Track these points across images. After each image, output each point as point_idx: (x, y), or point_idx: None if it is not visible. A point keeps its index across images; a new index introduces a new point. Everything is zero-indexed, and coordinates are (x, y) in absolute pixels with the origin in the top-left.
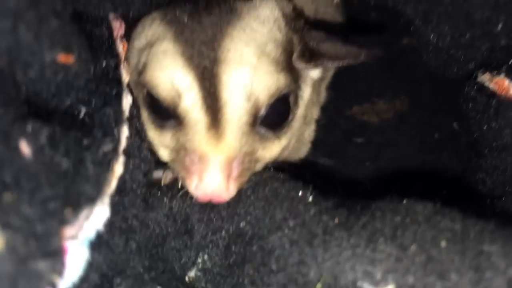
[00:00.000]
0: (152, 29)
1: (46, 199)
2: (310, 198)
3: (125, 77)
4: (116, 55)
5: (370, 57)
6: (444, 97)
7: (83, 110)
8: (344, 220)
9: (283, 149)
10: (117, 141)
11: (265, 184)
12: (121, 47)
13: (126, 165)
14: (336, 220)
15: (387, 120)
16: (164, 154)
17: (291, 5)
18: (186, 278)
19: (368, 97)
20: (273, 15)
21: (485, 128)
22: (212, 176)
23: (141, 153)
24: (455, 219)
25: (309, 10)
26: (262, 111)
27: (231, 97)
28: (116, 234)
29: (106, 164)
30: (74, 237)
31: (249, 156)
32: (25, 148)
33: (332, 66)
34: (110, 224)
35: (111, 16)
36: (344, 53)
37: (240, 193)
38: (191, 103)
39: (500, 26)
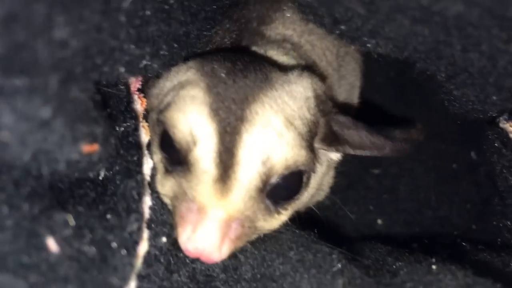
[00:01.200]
0: (187, 75)
1: None
2: (339, 265)
3: (145, 138)
4: (134, 116)
5: (395, 152)
6: (461, 126)
7: (102, 174)
8: None
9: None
10: (141, 218)
11: (290, 247)
12: (138, 104)
13: (149, 239)
14: None
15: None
16: (165, 201)
17: (324, 87)
18: None
19: (382, 126)
20: (305, 94)
21: (510, 182)
22: (208, 230)
23: (162, 216)
24: None
25: (332, 55)
26: (274, 180)
27: (247, 157)
28: None
29: (132, 248)
30: None
31: (250, 222)
32: (52, 244)
33: (353, 153)
34: None
35: None
36: (368, 144)
37: (264, 255)
38: (204, 153)
39: None
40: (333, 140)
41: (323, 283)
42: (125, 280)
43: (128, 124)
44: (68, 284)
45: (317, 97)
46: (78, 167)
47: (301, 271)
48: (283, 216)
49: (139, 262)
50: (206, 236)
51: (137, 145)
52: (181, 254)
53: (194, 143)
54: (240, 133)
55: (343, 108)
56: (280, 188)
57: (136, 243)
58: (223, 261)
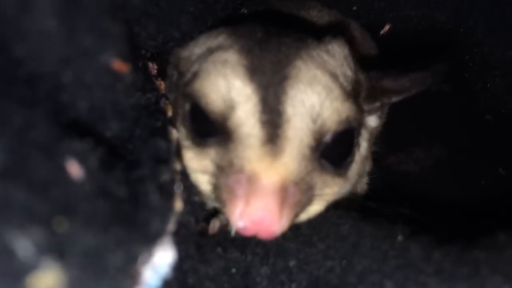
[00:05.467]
0: (218, 40)
1: (108, 226)
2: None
3: (168, 113)
4: (155, 89)
5: (437, 77)
6: (484, 141)
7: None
8: (456, 259)
9: (341, 192)
10: (173, 172)
11: (340, 222)
12: (157, 84)
13: (183, 200)
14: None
15: (427, 168)
16: (203, 180)
17: (354, 50)
18: None
19: (402, 146)
20: (343, 52)
21: None
22: (263, 201)
23: (190, 197)
24: None
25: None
26: (327, 137)
27: (296, 113)
28: None
29: (167, 193)
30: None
31: (307, 185)
32: (74, 169)
33: (398, 100)
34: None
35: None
36: (409, 84)
37: (310, 235)
38: (245, 115)
39: None
40: (376, 94)
41: (396, 249)
42: (164, 224)
43: (149, 96)
44: (100, 213)
45: (354, 55)
46: (106, 92)
47: (363, 242)
48: (342, 180)
49: (174, 220)
50: (263, 206)
51: (161, 113)
52: (210, 244)
53: (232, 107)
54: (285, 91)
55: (370, 62)
56: (335, 148)
57: (170, 194)
58: None
